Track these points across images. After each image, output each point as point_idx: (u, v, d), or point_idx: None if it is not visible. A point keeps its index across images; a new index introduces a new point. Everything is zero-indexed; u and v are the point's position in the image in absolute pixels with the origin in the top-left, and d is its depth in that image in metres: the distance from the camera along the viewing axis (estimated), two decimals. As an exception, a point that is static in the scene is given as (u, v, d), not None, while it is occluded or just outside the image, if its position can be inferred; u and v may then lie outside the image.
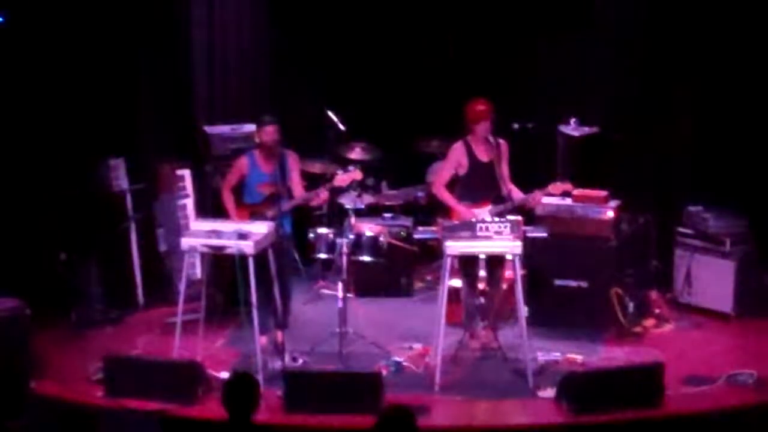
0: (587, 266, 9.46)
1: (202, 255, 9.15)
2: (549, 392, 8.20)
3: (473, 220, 8.58)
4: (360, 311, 9.54)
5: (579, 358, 8.85)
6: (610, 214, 9.51)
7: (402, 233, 10.43)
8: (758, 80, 10.11)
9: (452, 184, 9.17)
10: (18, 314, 8.32)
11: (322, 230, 9.53)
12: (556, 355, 8.84)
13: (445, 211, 9.15)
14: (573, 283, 9.49)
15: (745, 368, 8.50)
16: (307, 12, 11.35)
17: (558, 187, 9.10)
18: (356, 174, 9.21)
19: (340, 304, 8.99)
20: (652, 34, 10.49)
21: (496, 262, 8.97)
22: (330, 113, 10.92)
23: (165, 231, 10.20)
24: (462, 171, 9.11)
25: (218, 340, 9.31)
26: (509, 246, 8.44)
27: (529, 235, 8.85)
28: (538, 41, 11.15)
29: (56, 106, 9.95)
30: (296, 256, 10.21)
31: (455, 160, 9.11)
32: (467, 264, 8.96)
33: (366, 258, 9.58)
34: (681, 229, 10.08)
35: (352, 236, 9.30)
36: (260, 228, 8.57)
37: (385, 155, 11.21)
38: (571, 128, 10.27)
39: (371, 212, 10.66)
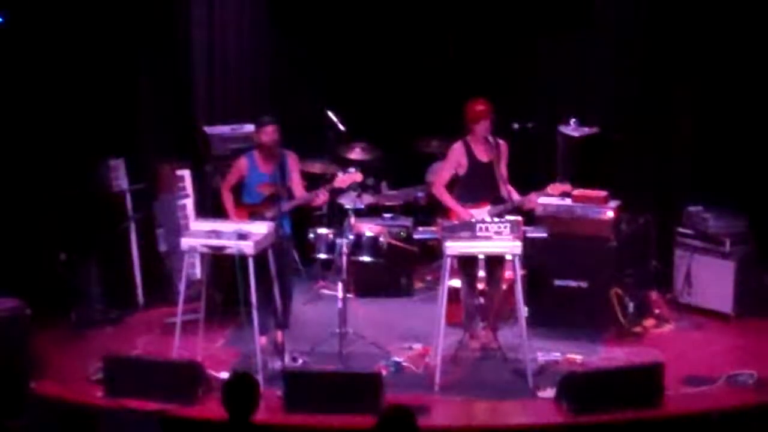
0: (587, 266, 9.46)
1: (202, 255, 9.15)
2: (549, 392, 8.20)
3: (473, 220, 8.58)
4: (360, 311, 9.54)
5: (579, 358, 8.86)
6: (610, 214, 9.51)
7: (402, 233, 10.43)
8: (758, 80, 10.11)
9: (452, 185, 9.17)
10: (18, 314, 8.32)
11: (322, 230, 9.53)
12: (556, 355, 8.84)
13: (445, 211, 9.15)
14: (573, 283, 9.49)
15: (745, 368, 8.50)
16: (307, 12, 11.35)
17: (557, 187, 9.11)
18: (356, 176, 9.22)
19: (340, 304, 8.99)
20: (652, 34, 10.49)
21: (495, 262, 8.99)
22: (330, 113, 10.92)
23: (165, 231, 10.20)
24: (461, 171, 9.11)
25: (218, 340, 9.31)
26: (509, 246, 8.44)
27: (529, 235, 8.85)
28: (538, 41, 11.14)
29: (56, 106, 9.95)
30: (296, 256, 10.21)
31: (455, 160, 9.11)
32: (466, 264, 8.97)
33: (366, 258, 9.58)
34: (681, 229, 10.08)
35: (352, 236, 9.30)
36: (260, 228, 8.57)
37: (385, 155, 11.21)
38: (571, 128, 10.27)
39: (371, 212, 10.65)
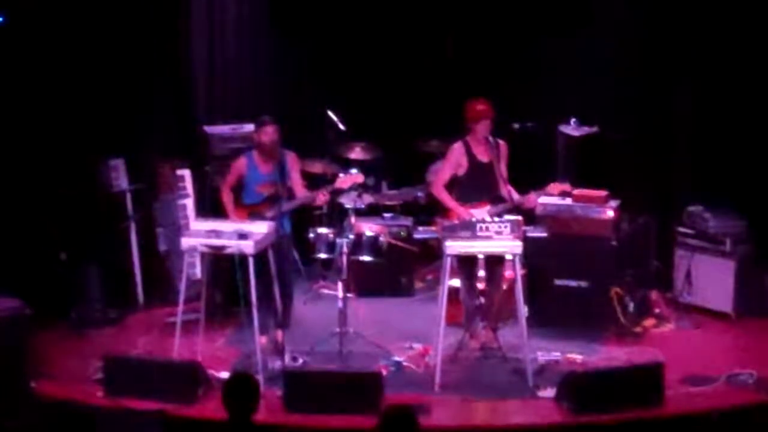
0: (587, 266, 9.46)
1: (202, 255, 9.14)
2: (549, 392, 8.20)
3: (473, 219, 8.58)
4: (360, 311, 9.54)
5: (579, 358, 8.86)
6: (610, 214, 9.51)
7: (402, 233, 10.43)
8: (758, 80, 10.11)
9: (451, 185, 9.17)
10: (18, 314, 8.31)
11: (322, 230, 9.54)
12: (556, 355, 8.84)
13: (445, 211, 9.15)
14: (573, 283, 9.49)
15: (745, 368, 8.50)
16: (307, 12, 11.34)
17: (556, 186, 9.11)
18: (358, 177, 9.23)
19: (340, 304, 8.99)
20: (652, 34, 10.49)
21: (495, 262, 8.99)
22: (330, 113, 10.92)
23: (165, 231, 10.20)
24: (461, 171, 9.11)
25: (218, 340, 9.31)
26: (509, 246, 8.44)
27: (529, 235, 8.85)
28: (539, 41, 11.14)
29: (56, 106, 9.95)
30: (296, 256, 10.20)
31: (454, 160, 9.11)
32: (466, 264, 8.97)
33: (366, 258, 9.58)
34: (681, 229, 10.09)
35: (352, 236, 9.30)
36: (260, 228, 8.57)
37: (385, 155, 11.21)
38: (571, 128, 10.27)
39: (371, 212, 10.65)
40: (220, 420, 6.37)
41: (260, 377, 8.08)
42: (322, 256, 9.50)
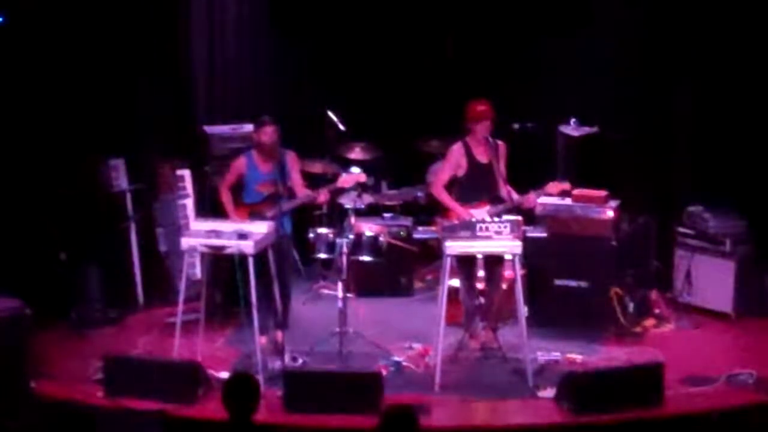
0: (587, 266, 9.46)
1: (202, 255, 9.14)
2: (549, 392, 8.20)
3: (473, 219, 8.58)
4: (360, 311, 9.54)
5: (579, 358, 8.86)
6: (610, 214, 9.51)
7: (402, 233, 10.43)
8: (758, 80, 10.11)
9: (451, 185, 9.17)
10: (18, 314, 8.30)
11: (322, 230, 9.54)
12: (556, 355, 8.84)
13: (445, 211, 9.15)
14: (573, 283, 9.49)
15: (745, 368, 8.50)
16: (307, 12, 11.34)
17: (555, 186, 9.11)
18: (360, 176, 9.23)
19: (340, 303, 8.99)
20: (652, 34, 10.49)
21: (495, 262, 8.99)
22: (330, 113, 10.92)
23: (165, 231, 10.20)
24: (461, 172, 9.11)
25: (218, 340, 9.31)
26: (509, 246, 8.44)
27: (529, 235, 8.85)
28: (539, 41, 11.14)
29: (56, 105, 9.94)
30: (296, 255, 10.20)
31: (454, 161, 9.11)
32: (465, 264, 8.97)
33: (366, 258, 9.58)
34: (681, 229, 10.09)
35: (352, 236, 9.30)
36: (260, 228, 8.56)
37: (385, 155, 11.21)
38: (571, 128, 10.28)
39: (371, 212, 10.65)
40: (220, 420, 6.37)
41: (260, 377, 8.08)
42: (322, 256, 9.50)
